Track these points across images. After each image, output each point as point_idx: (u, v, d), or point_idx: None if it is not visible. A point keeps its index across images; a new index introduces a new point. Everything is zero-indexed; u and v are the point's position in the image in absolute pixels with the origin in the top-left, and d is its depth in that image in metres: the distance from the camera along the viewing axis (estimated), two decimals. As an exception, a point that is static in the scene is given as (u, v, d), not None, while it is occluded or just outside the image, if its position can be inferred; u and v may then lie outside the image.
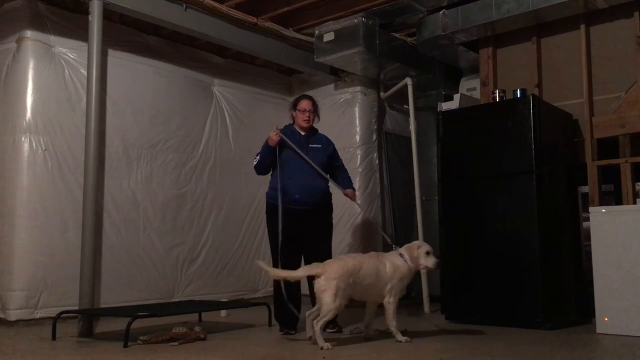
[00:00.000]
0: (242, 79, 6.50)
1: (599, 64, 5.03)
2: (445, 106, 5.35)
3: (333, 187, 4.48)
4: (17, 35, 4.88)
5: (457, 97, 5.40)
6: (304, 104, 4.45)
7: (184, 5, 5.16)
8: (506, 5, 5.02)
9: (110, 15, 5.09)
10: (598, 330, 4.15)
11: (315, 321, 3.65)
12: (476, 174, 4.79)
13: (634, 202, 4.53)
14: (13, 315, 4.59)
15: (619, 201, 4.80)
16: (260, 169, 4.46)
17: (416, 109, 6.27)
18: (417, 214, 5.97)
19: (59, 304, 4.68)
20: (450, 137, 4.98)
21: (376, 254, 3.97)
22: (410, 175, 6.15)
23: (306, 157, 4.30)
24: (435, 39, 5.58)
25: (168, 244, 5.62)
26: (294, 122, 4.51)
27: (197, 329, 4.04)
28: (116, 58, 5.34)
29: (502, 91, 5.03)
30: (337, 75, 6.55)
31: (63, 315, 4.17)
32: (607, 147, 4.89)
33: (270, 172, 4.47)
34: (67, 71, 5.01)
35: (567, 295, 4.66)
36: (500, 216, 4.60)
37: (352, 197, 4.58)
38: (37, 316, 4.67)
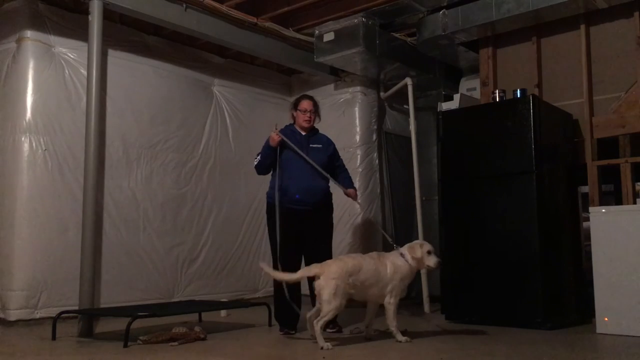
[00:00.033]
0: (242, 79, 6.49)
1: (599, 64, 5.03)
2: (445, 106, 5.35)
3: (333, 187, 4.48)
4: (17, 35, 4.87)
5: (457, 97, 5.40)
6: (305, 104, 4.45)
7: (184, 5, 5.16)
8: (506, 5, 5.02)
9: (110, 15, 5.08)
10: (598, 330, 4.15)
11: (315, 321, 3.66)
12: (476, 174, 4.79)
13: (634, 202, 4.53)
14: (13, 315, 4.59)
15: (619, 201, 4.81)
16: (261, 169, 4.46)
17: (416, 109, 6.27)
18: (417, 214, 5.96)
19: (59, 304, 4.68)
20: (450, 137, 4.98)
21: (377, 254, 3.97)
22: (410, 175, 6.15)
23: (307, 157, 4.30)
24: (435, 39, 5.58)
25: (168, 244, 5.61)
26: (294, 122, 4.51)
27: (197, 329, 4.04)
28: (116, 58, 5.33)
29: (502, 91, 5.03)
30: (337, 75, 6.55)
31: (63, 315, 4.17)
32: (607, 147, 4.90)
33: (271, 172, 4.47)
34: (67, 71, 5.00)
35: (567, 295, 4.66)
36: (500, 216, 4.60)
37: (354, 197, 4.58)
38: (37, 316, 4.66)
